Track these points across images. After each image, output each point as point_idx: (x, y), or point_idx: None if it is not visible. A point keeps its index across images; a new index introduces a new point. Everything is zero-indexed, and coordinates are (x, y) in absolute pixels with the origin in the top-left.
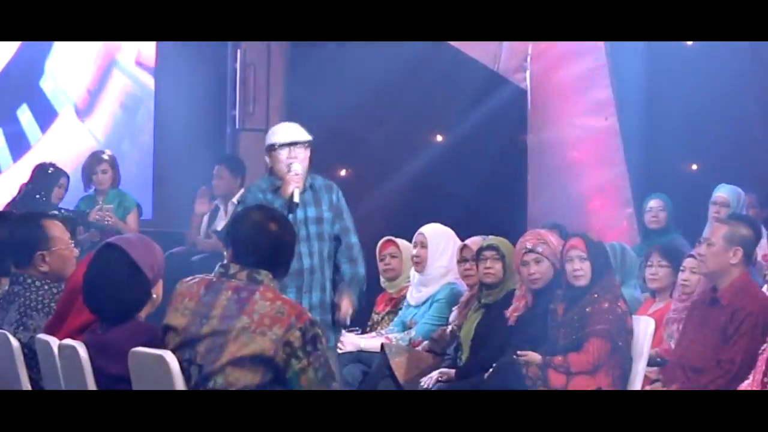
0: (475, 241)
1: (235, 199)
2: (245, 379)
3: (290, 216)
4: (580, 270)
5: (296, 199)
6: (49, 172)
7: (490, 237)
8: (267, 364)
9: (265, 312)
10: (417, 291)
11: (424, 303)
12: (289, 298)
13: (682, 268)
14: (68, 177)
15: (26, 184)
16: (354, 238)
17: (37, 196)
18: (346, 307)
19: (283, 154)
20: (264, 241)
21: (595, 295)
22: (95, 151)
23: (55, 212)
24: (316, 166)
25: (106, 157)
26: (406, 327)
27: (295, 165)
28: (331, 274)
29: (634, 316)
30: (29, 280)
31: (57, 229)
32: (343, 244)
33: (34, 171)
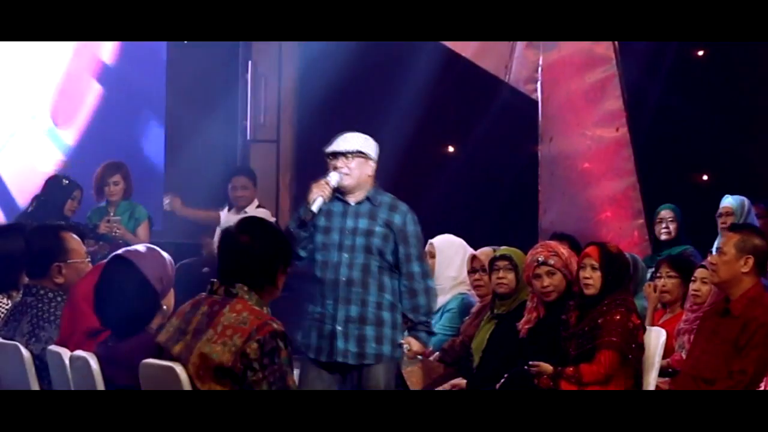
0: (484, 252)
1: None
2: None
3: (310, 223)
4: (590, 279)
5: (313, 207)
6: (63, 184)
7: (503, 247)
8: (230, 376)
9: (229, 323)
10: None
11: (435, 313)
12: (260, 309)
13: (693, 278)
14: (82, 189)
15: (38, 196)
16: (416, 267)
17: (40, 210)
18: (416, 349)
19: (330, 163)
20: (232, 255)
21: (607, 307)
22: (108, 162)
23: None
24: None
25: (119, 168)
26: None
27: (331, 174)
28: (380, 291)
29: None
30: (42, 292)
31: (74, 242)
32: (403, 272)
33: (47, 183)
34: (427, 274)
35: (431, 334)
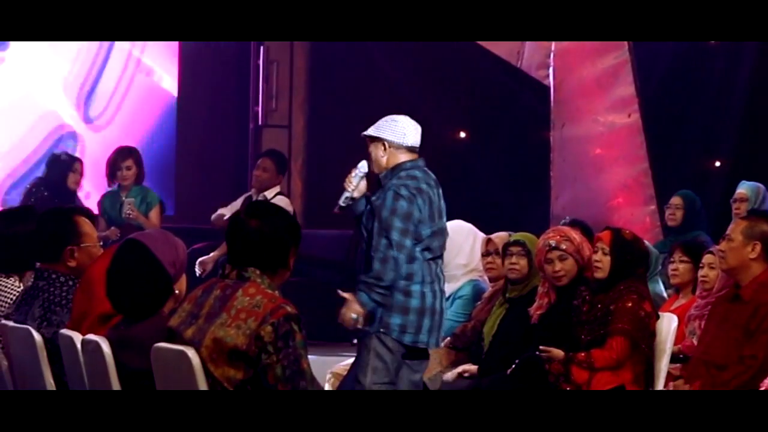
0: (499, 236)
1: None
2: (227, 375)
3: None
4: (600, 263)
5: (340, 201)
6: (62, 159)
7: (517, 233)
8: (244, 359)
9: (243, 306)
10: None
11: (446, 299)
12: (273, 293)
13: (701, 264)
14: (82, 162)
15: (41, 177)
16: (382, 240)
17: (42, 187)
18: (350, 301)
19: None
20: (243, 240)
21: (619, 294)
22: (121, 146)
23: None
24: (342, 164)
25: (131, 153)
26: None
27: (361, 164)
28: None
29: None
30: (54, 276)
31: (87, 226)
32: (372, 245)
33: (47, 162)
34: (392, 245)
35: (372, 300)
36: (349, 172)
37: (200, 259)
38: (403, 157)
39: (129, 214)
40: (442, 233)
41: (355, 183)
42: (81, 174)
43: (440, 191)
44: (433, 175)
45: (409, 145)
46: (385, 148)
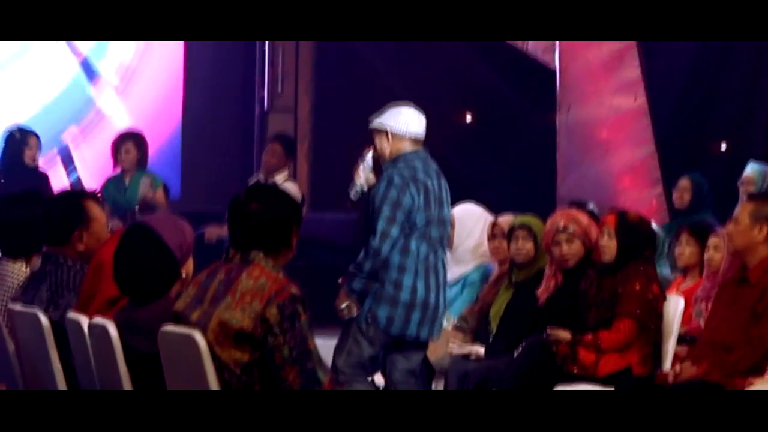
0: (505, 219)
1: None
2: (234, 357)
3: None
4: (606, 246)
5: (351, 194)
6: (17, 137)
7: (522, 216)
8: (250, 341)
9: (248, 289)
10: (449, 270)
11: (456, 283)
12: (277, 274)
13: (707, 246)
14: (38, 137)
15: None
16: (372, 232)
17: (18, 134)
18: (336, 304)
19: None
20: (244, 223)
21: (627, 276)
22: (122, 130)
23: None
24: (347, 148)
25: (131, 136)
26: None
27: (367, 155)
28: None
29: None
30: (61, 259)
31: (96, 209)
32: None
33: (4, 141)
34: (376, 234)
35: (352, 289)
36: (357, 164)
37: (212, 228)
38: (407, 146)
39: (146, 195)
40: (443, 223)
41: (363, 175)
42: (38, 149)
43: (443, 182)
44: (435, 165)
45: (412, 134)
46: (388, 139)
